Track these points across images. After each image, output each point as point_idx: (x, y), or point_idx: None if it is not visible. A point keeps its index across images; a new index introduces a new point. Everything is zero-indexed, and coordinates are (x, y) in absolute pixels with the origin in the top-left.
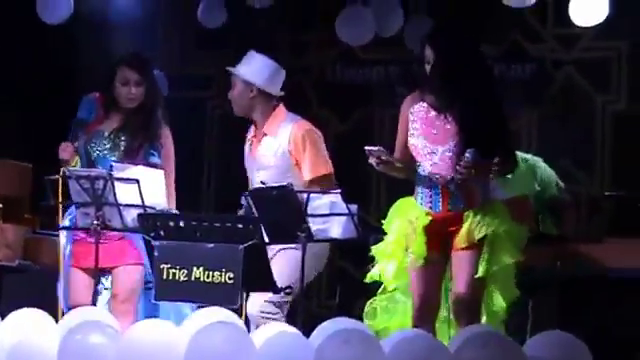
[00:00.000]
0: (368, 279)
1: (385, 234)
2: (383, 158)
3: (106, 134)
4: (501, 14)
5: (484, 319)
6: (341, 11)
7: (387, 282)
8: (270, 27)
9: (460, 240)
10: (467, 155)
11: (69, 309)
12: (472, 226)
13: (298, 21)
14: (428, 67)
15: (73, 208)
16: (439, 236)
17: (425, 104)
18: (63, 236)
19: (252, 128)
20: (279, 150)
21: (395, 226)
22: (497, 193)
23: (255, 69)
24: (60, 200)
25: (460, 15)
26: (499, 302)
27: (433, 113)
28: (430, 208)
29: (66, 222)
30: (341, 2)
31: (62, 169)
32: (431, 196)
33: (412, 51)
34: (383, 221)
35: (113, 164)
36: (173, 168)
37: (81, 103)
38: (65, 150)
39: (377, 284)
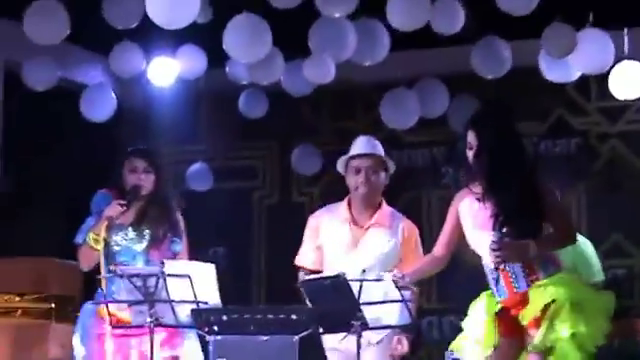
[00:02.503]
0: None
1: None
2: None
3: (127, 226)
4: (544, 90)
5: None
6: (384, 94)
7: None
8: (312, 115)
9: (523, 317)
10: (492, 238)
11: None
12: (535, 301)
13: (340, 107)
14: (470, 153)
15: (88, 306)
16: (510, 322)
17: (471, 195)
18: (77, 337)
19: (345, 210)
20: (392, 241)
21: (469, 319)
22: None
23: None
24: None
25: (503, 94)
26: None
27: (477, 203)
28: (499, 295)
29: (79, 323)
30: (383, 87)
31: (111, 267)
32: (496, 284)
33: (456, 132)
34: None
35: (164, 260)
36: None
37: (96, 198)
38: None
39: None
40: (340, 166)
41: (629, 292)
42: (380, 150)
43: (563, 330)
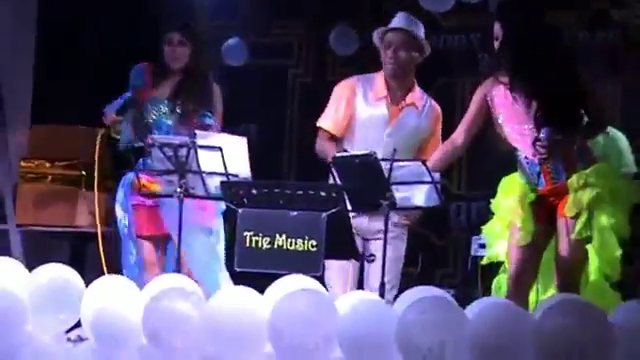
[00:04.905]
0: (486, 261)
1: (492, 213)
2: None
3: (163, 99)
4: None
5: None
6: None
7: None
8: None
9: (568, 210)
10: (542, 135)
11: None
12: (578, 193)
13: None
14: (497, 44)
15: (129, 175)
16: (545, 210)
17: (502, 87)
18: (118, 206)
19: (382, 85)
20: (423, 122)
21: (501, 205)
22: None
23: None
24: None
25: None
26: (595, 266)
27: (511, 95)
28: (535, 184)
29: (120, 192)
30: None
31: (149, 137)
32: (532, 174)
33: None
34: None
35: (197, 132)
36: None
37: (131, 73)
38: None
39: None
40: (376, 38)
41: None
42: (416, 28)
43: (603, 219)
